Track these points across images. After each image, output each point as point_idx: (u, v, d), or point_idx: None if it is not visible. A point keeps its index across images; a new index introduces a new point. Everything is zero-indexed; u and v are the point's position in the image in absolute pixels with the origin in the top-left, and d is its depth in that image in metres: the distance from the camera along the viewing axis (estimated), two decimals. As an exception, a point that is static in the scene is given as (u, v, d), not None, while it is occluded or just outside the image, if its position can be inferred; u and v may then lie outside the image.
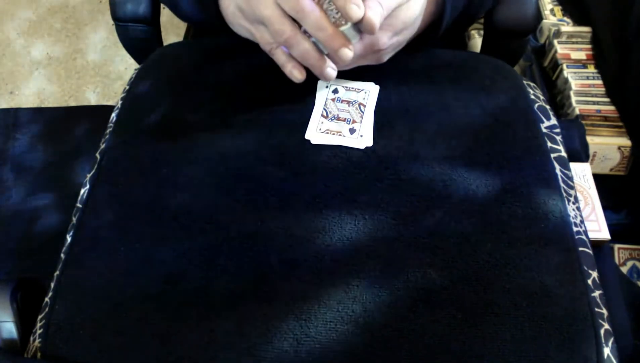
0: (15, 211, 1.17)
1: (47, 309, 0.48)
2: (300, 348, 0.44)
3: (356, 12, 0.46)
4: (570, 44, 1.07)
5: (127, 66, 1.43)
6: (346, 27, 0.48)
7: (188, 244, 0.49)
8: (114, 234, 0.50)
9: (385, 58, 0.56)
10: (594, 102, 0.99)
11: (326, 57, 0.51)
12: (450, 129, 0.56)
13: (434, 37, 0.60)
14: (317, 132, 0.55)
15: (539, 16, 1.13)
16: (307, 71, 0.53)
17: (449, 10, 0.57)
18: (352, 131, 0.55)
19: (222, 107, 0.58)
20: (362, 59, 0.54)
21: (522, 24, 0.65)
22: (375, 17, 0.47)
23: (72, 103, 1.38)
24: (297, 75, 0.52)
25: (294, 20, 0.49)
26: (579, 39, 1.08)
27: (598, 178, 0.73)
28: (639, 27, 0.93)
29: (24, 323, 0.50)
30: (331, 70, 0.52)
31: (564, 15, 1.12)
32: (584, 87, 1.01)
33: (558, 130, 0.58)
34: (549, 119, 0.59)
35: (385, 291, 0.46)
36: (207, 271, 0.47)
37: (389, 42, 0.53)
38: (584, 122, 0.96)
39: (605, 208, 0.70)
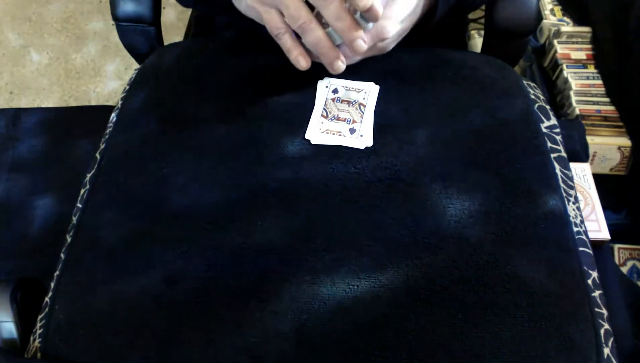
0: (15, 211, 1.17)
1: (47, 309, 0.48)
2: (300, 348, 0.44)
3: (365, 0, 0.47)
4: (570, 44, 1.07)
5: (127, 66, 1.43)
6: (356, 17, 0.49)
7: (188, 244, 0.49)
8: (113, 234, 0.50)
9: (390, 47, 0.56)
10: (594, 102, 0.99)
11: (338, 50, 0.51)
12: (450, 129, 0.56)
13: (430, 24, 0.60)
14: (317, 132, 0.55)
15: (539, 16, 1.12)
16: (307, 70, 0.53)
17: None
18: (352, 131, 0.55)
19: (222, 107, 0.58)
20: (368, 50, 0.54)
21: (522, 24, 0.65)
22: (378, 3, 0.48)
23: (72, 103, 1.38)
24: (302, 62, 0.53)
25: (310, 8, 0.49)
26: (579, 39, 1.08)
27: (598, 178, 0.73)
28: (639, 27, 0.93)
29: (24, 323, 0.50)
30: (341, 63, 0.52)
31: (564, 15, 1.12)
32: (584, 87, 1.01)
33: (558, 130, 0.58)
34: (549, 119, 0.59)
35: (385, 292, 0.46)
36: (207, 271, 0.47)
37: (394, 30, 0.53)
38: (584, 122, 0.96)
39: (605, 208, 0.70)
